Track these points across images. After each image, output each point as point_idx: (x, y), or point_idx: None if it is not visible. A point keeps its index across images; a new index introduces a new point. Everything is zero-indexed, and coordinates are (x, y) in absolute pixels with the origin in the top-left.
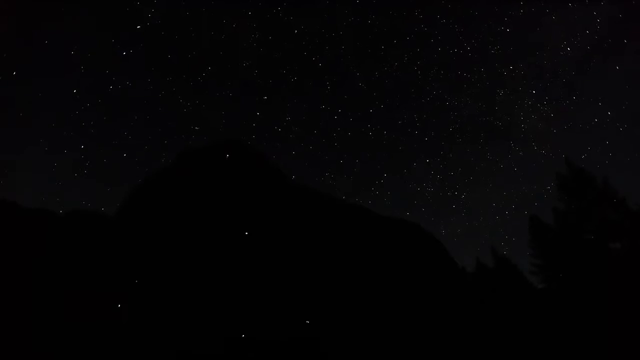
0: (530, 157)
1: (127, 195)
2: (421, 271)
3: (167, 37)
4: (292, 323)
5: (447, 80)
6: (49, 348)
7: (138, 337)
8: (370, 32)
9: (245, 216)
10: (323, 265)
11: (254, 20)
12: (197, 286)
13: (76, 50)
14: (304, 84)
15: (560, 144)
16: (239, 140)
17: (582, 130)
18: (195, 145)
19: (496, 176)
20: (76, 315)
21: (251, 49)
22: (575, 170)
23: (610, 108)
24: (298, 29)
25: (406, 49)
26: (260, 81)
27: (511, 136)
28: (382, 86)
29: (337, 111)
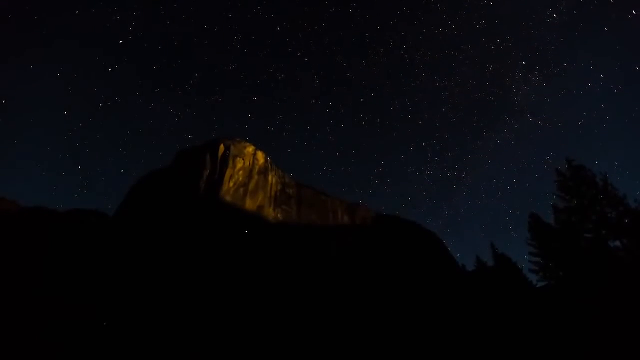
0: (527, 129)
1: (128, 192)
2: (422, 270)
3: (150, 49)
4: (291, 321)
5: (435, 60)
6: (49, 342)
7: (137, 334)
8: (353, 21)
9: (245, 212)
10: (322, 264)
11: (234, 23)
12: (197, 286)
13: (62, 72)
14: (292, 80)
15: (555, 113)
16: (235, 138)
17: (576, 96)
18: (193, 144)
19: (494, 152)
20: (76, 310)
21: (235, 51)
22: (575, 168)
23: (603, 71)
24: (280, 26)
25: (390, 34)
26: (247, 82)
27: (505, 110)
28: (370, 74)
29: (328, 104)
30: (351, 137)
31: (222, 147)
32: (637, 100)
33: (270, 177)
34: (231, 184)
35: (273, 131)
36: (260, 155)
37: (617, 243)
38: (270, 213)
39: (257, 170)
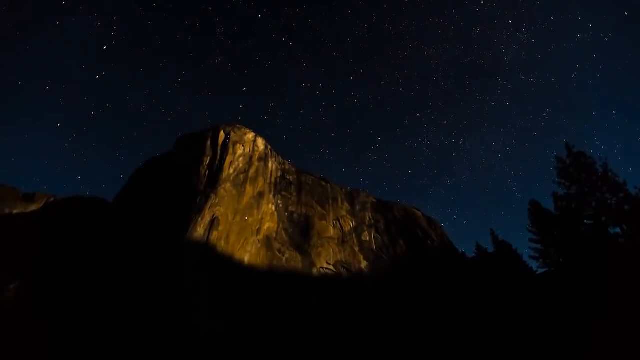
0: (520, 88)
1: (129, 178)
2: (421, 257)
3: (134, 51)
4: (294, 305)
5: (420, 29)
6: (46, 331)
7: (134, 327)
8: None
9: (245, 198)
10: (321, 253)
11: (215, 15)
12: (194, 276)
13: (50, 85)
14: (279, 66)
15: (547, 68)
16: (235, 124)
17: (566, 49)
18: (193, 130)
19: (490, 114)
20: (76, 296)
21: (219, 44)
22: (575, 154)
23: (591, 20)
24: (261, 13)
25: (373, 8)
26: (235, 74)
27: (496, 71)
28: (357, 51)
29: (318, 86)
30: (344, 116)
31: (222, 134)
32: (629, 46)
33: (270, 164)
34: (231, 171)
35: (266, 119)
36: (260, 142)
37: (617, 229)
38: (270, 200)
39: (257, 156)
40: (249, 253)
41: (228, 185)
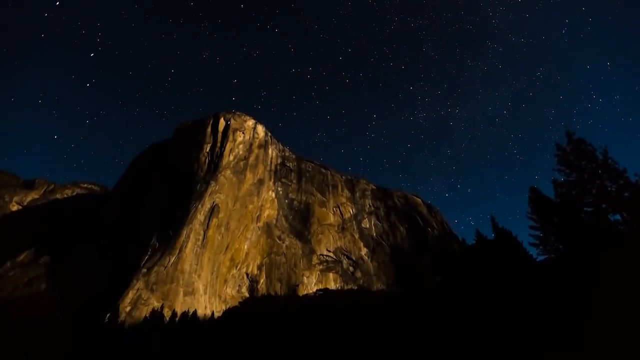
0: (511, 50)
1: (129, 165)
2: (422, 245)
3: (122, 55)
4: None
5: (405, 2)
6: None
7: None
8: None
9: (245, 185)
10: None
11: (198, 10)
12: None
13: (42, 98)
14: (267, 54)
15: (537, 27)
16: (235, 111)
17: (554, 5)
18: (192, 118)
19: (484, 80)
20: (78, 286)
21: (205, 38)
22: (575, 142)
23: None
24: (244, 3)
25: None
26: (224, 66)
27: (486, 35)
28: (343, 30)
29: (308, 69)
30: (338, 97)
31: (222, 121)
32: None
33: (270, 151)
34: (231, 158)
35: (260, 109)
36: (260, 129)
37: (617, 216)
38: (270, 187)
39: (257, 143)
40: (248, 240)
41: (228, 172)
